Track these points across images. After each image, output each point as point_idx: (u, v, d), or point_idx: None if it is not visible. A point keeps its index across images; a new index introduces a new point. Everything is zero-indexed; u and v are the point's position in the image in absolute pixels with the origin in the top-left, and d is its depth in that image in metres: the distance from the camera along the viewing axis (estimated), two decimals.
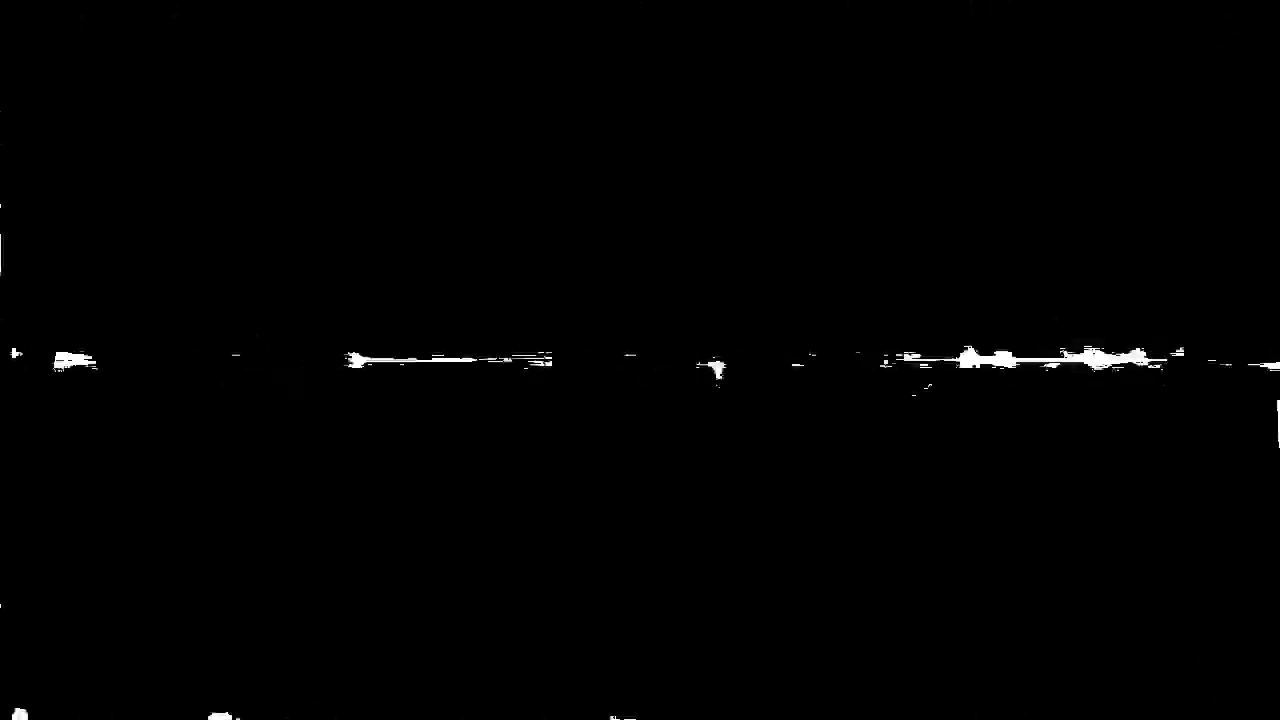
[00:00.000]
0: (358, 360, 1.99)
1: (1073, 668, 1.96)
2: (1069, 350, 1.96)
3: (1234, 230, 1.96)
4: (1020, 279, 1.96)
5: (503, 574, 1.98)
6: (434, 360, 1.99)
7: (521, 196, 1.99)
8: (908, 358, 1.96)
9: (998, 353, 1.96)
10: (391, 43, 1.99)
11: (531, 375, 1.98)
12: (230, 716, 1.98)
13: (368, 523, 1.99)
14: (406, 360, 1.99)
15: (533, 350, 1.99)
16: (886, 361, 1.97)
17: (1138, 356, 1.96)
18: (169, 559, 1.99)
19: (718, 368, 1.98)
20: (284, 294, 1.99)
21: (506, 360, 1.98)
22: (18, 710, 1.99)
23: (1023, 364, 1.96)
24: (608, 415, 1.98)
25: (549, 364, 1.98)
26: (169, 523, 1.99)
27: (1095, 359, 1.96)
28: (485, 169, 1.99)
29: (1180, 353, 1.95)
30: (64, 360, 1.98)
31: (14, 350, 1.99)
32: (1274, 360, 1.94)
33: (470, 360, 1.99)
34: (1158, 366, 1.95)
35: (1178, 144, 1.96)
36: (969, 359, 1.96)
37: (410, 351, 1.99)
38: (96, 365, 1.99)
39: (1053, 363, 1.96)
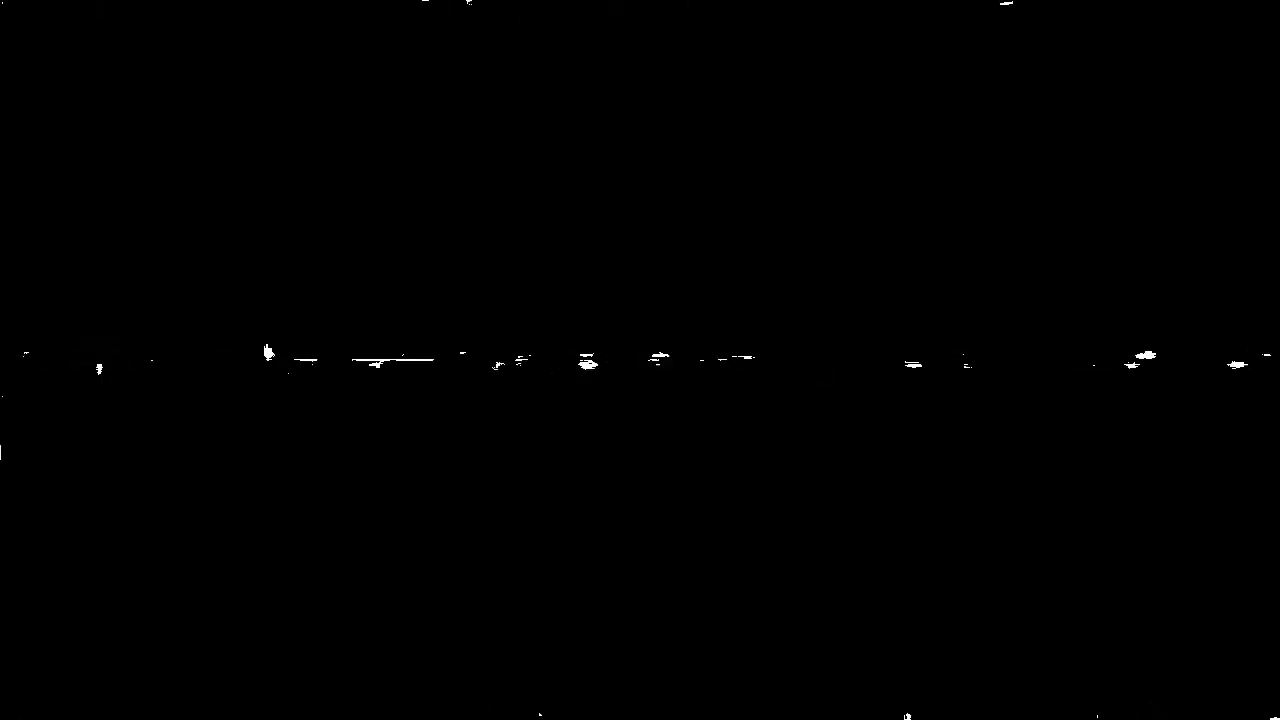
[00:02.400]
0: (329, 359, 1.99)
1: (1069, 670, 1.96)
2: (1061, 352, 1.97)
3: (1233, 230, 1.96)
4: (1013, 280, 1.97)
5: (497, 575, 1.98)
6: (419, 360, 1.99)
7: (507, 198, 1.99)
8: (907, 363, 1.97)
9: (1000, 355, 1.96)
10: (387, 44, 2.00)
11: (525, 376, 1.99)
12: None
13: (358, 526, 1.99)
14: (391, 359, 1.99)
15: (526, 350, 1.99)
16: (875, 364, 1.97)
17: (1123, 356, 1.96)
18: (167, 562, 1.99)
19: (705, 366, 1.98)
20: (274, 295, 1.99)
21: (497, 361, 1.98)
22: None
23: (1022, 366, 1.97)
24: (603, 415, 1.98)
25: (531, 363, 1.98)
26: (170, 523, 1.99)
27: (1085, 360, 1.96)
28: (471, 172, 1.99)
29: (1152, 355, 1.95)
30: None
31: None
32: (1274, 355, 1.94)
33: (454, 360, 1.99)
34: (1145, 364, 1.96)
35: (1176, 146, 1.96)
36: (971, 361, 1.97)
37: (404, 352, 1.99)
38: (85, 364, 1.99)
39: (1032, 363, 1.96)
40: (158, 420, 1.99)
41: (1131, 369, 1.96)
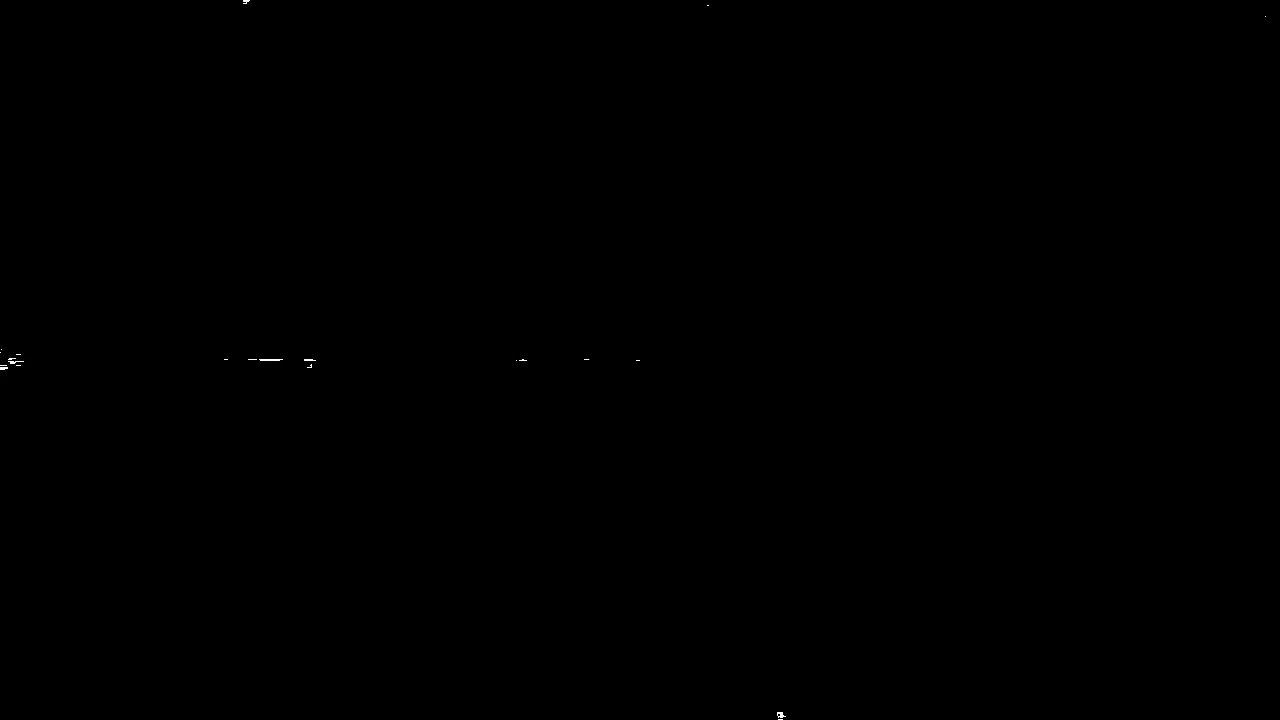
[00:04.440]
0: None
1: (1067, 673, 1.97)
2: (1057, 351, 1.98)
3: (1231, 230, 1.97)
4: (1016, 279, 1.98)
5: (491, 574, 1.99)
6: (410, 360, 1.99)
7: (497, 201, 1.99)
8: (895, 357, 1.97)
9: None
10: (385, 45, 1.99)
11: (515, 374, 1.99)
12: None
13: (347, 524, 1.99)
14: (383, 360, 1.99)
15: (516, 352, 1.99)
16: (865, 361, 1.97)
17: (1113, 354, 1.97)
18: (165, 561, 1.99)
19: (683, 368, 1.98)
20: (271, 295, 1.99)
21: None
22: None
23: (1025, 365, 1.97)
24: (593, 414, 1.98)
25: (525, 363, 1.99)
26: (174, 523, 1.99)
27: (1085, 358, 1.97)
28: (466, 175, 1.99)
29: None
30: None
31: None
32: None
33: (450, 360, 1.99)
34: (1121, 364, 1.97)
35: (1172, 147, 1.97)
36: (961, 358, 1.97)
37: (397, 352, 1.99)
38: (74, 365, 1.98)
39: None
40: (150, 420, 1.99)
41: (1122, 369, 1.97)
